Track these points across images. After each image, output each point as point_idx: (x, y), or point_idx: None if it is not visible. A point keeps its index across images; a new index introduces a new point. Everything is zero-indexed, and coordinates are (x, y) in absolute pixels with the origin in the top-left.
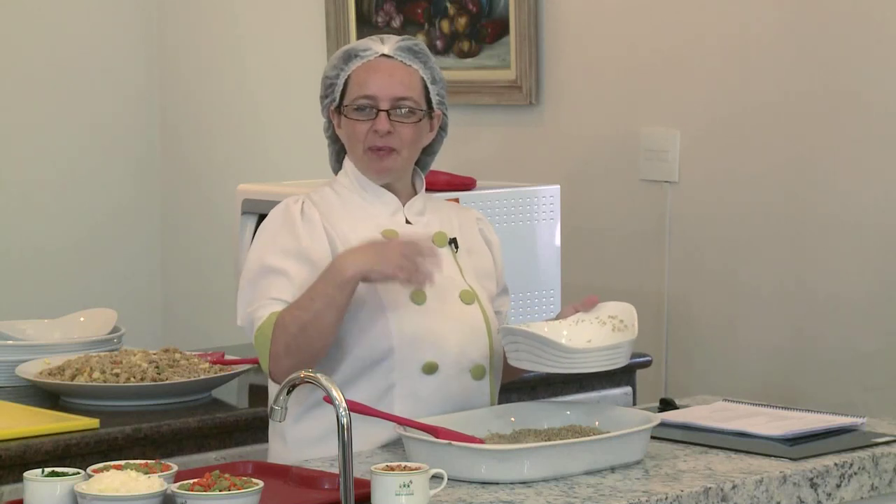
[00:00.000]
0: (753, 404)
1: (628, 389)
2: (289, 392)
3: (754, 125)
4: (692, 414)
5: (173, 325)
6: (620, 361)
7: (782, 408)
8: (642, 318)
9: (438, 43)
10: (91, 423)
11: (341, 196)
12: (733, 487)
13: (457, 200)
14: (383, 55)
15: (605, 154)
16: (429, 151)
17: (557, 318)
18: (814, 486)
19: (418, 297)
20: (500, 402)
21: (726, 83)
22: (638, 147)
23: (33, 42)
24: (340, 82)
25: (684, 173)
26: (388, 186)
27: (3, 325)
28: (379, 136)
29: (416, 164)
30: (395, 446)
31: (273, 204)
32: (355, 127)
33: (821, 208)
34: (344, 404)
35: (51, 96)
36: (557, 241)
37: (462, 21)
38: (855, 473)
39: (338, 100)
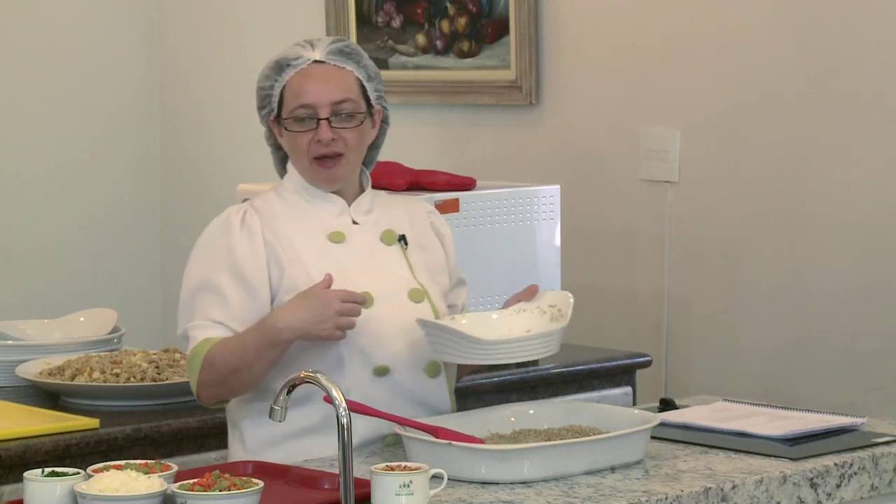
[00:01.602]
0: (753, 404)
1: (628, 389)
2: (289, 392)
3: (754, 125)
4: (692, 414)
5: (173, 325)
6: (537, 352)
7: (782, 408)
8: (643, 318)
9: (438, 43)
10: (91, 423)
11: (286, 200)
12: (733, 487)
13: (456, 201)
14: (315, 61)
15: (605, 154)
16: (372, 146)
17: (504, 307)
18: (814, 486)
19: (365, 301)
20: (500, 403)
21: (726, 83)
22: (638, 147)
23: (33, 42)
24: (276, 93)
25: (684, 173)
26: (335, 189)
27: (3, 325)
28: (323, 145)
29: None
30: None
31: None
32: (297, 139)
33: (821, 208)
34: (344, 404)
35: (51, 96)
36: (557, 241)
37: (462, 21)
38: (855, 473)
39: (276, 110)
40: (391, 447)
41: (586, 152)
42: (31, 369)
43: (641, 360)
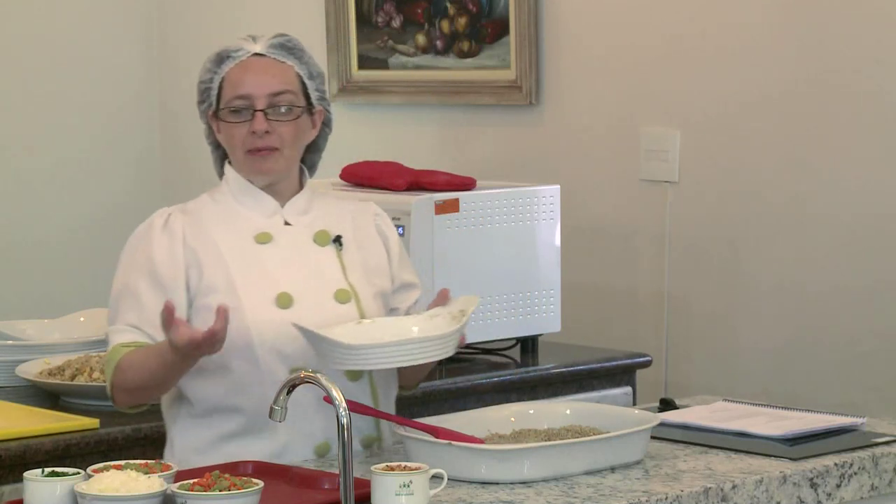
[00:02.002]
0: (753, 404)
1: (628, 389)
2: (289, 392)
3: (754, 125)
4: (692, 414)
5: None
6: (421, 356)
7: (782, 408)
8: (643, 317)
9: (438, 43)
10: (91, 423)
11: (218, 202)
12: (733, 487)
13: (456, 201)
14: (256, 54)
15: (605, 154)
16: (314, 149)
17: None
18: (814, 486)
19: (283, 301)
20: (500, 403)
21: (726, 83)
22: (638, 147)
23: (33, 42)
24: (215, 86)
25: (684, 173)
26: (271, 187)
27: (3, 325)
28: (258, 137)
29: (304, 162)
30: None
31: None
32: (232, 130)
33: (821, 208)
34: (344, 404)
35: (51, 96)
36: (557, 241)
37: (462, 21)
38: (855, 473)
39: (214, 104)
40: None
41: (586, 152)
42: (31, 369)
43: (641, 360)
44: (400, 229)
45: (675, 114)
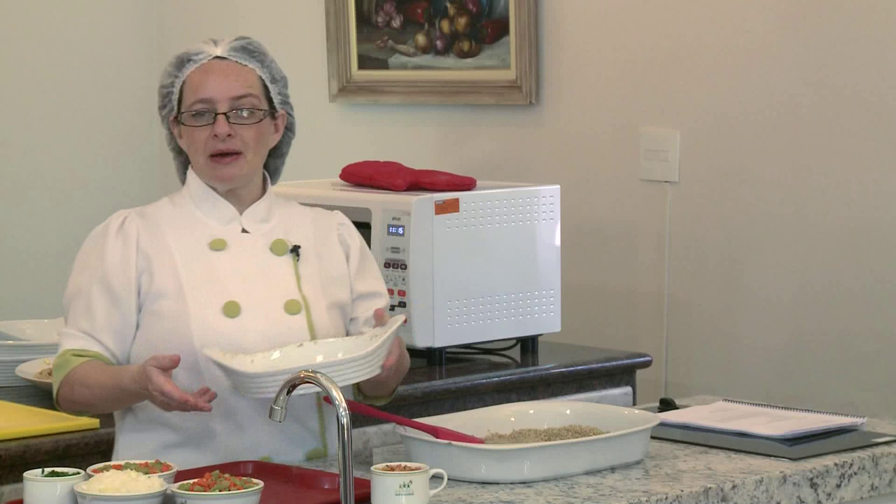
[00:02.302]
0: (753, 404)
1: (628, 389)
2: (289, 392)
3: (754, 125)
4: (692, 414)
5: None
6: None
7: (782, 408)
8: (643, 317)
9: (438, 43)
10: (91, 423)
11: (178, 207)
12: (733, 487)
13: (456, 201)
14: (217, 57)
15: (605, 154)
16: (277, 154)
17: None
18: (814, 486)
19: (231, 310)
20: (500, 403)
21: (726, 83)
22: (638, 147)
23: (33, 43)
24: (176, 90)
25: (684, 173)
26: (232, 193)
27: (3, 325)
28: (220, 141)
29: (266, 167)
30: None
31: None
32: (194, 134)
33: (821, 208)
34: (344, 404)
35: (51, 97)
36: (557, 241)
37: (462, 21)
38: (855, 473)
39: (176, 108)
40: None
41: (586, 152)
42: (31, 369)
43: (641, 360)
44: (400, 229)
45: (675, 114)
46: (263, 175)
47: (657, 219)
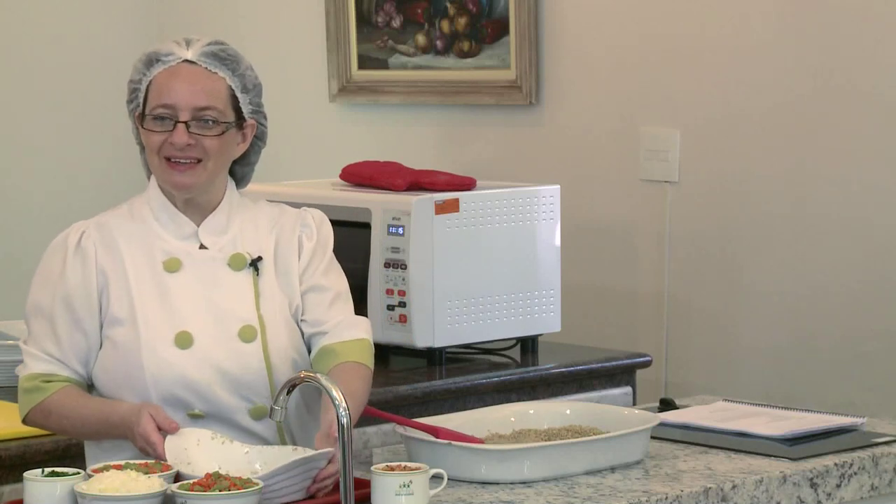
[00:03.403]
0: (753, 404)
1: (628, 389)
2: (289, 392)
3: (754, 125)
4: (692, 414)
5: None
6: None
7: (782, 408)
8: (643, 317)
9: (438, 43)
10: None
11: (135, 219)
12: (733, 487)
13: (456, 201)
14: (186, 61)
15: (605, 154)
16: (244, 162)
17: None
18: (814, 486)
19: (182, 341)
20: (500, 403)
21: (726, 83)
22: (638, 147)
23: (33, 44)
24: (143, 87)
25: (684, 173)
26: (190, 202)
27: (3, 325)
28: (176, 149)
29: (233, 175)
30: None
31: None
32: (151, 137)
33: (821, 208)
34: (344, 404)
35: (51, 98)
36: (557, 241)
37: (462, 21)
38: (855, 473)
39: (141, 106)
40: None
41: (586, 152)
42: None
43: (641, 360)
44: (400, 229)
45: (675, 114)
46: (227, 183)
47: (657, 219)
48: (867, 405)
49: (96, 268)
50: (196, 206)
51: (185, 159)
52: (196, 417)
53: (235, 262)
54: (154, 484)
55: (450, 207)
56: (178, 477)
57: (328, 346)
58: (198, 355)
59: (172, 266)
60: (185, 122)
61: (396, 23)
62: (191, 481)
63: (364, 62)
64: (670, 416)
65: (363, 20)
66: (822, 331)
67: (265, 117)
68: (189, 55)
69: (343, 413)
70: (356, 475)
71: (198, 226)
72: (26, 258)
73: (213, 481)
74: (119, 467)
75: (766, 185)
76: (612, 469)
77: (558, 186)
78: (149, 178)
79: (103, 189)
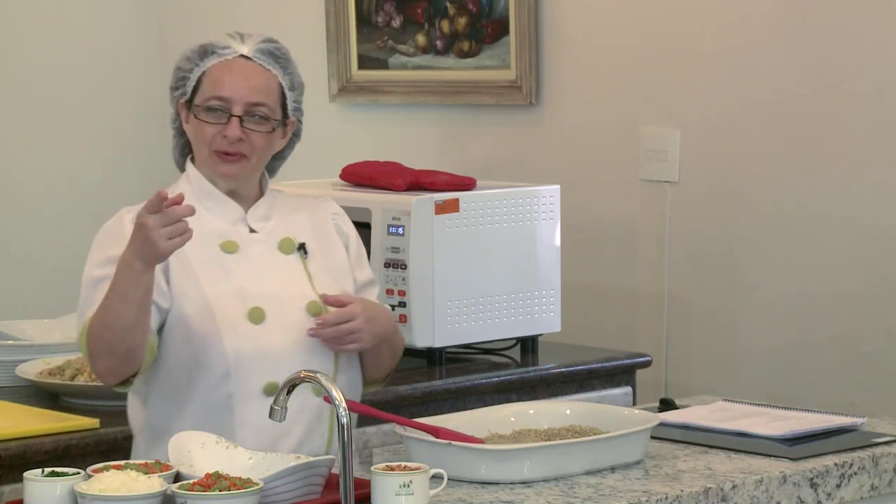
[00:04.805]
0: (753, 404)
1: (628, 389)
2: (289, 392)
3: (754, 125)
4: (692, 414)
5: None
6: None
7: (782, 408)
8: (643, 317)
9: (438, 43)
10: (91, 423)
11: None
12: (733, 487)
13: (456, 201)
14: (242, 56)
15: (605, 154)
16: (279, 156)
17: None
18: (814, 486)
19: (256, 316)
20: (500, 403)
21: (726, 83)
22: (638, 147)
23: (33, 44)
24: (194, 77)
25: (684, 173)
26: (232, 191)
27: (3, 325)
28: (228, 142)
29: (265, 166)
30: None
31: None
32: (204, 129)
33: (821, 208)
34: (344, 404)
35: (51, 98)
36: (557, 241)
37: (462, 21)
38: (855, 473)
39: (189, 95)
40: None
41: (586, 152)
42: (31, 369)
43: (641, 360)
44: (400, 229)
45: (675, 114)
46: (263, 173)
47: (657, 219)
48: (867, 405)
49: None
50: (237, 195)
51: (233, 152)
52: (271, 392)
53: (285, 246)
54: (154, 484)
55: (450, 207)
56: (178, 477)
57: None
58: (272, 330)
59: (230, 248)
60: (239, 117)
61: (396, 23)
62: (191, 481)
63: (364, 62)
64: (670, 416)
65: (363, 20)
66: (822, 331)
67: (303, 114)
68: (245, 50)
69: (343, 413)
70: (356, 475)
71: (244, 212)
72: (26, 258)
73: (213, 481)
74: (119, 467)
75: (766, 185)
76: (612, 469)
77: (558, 186)
78: (178, 163)
79: (103, 189)
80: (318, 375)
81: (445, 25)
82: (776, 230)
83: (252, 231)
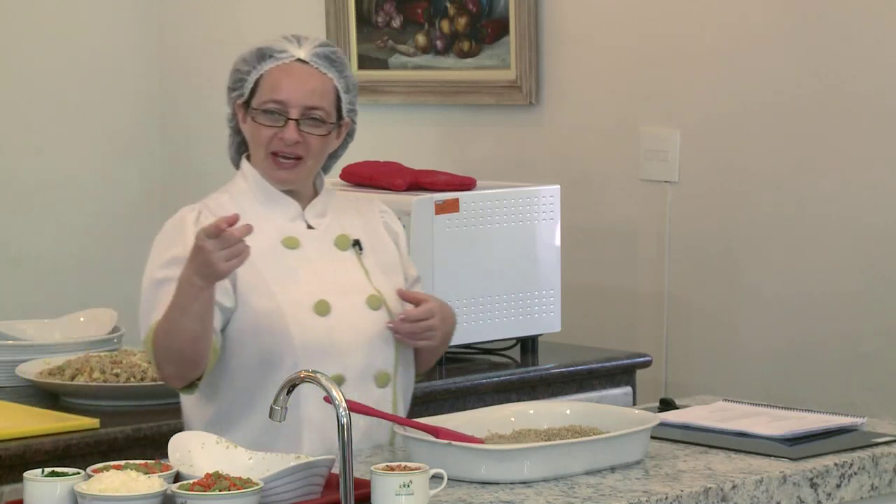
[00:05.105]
0: (753, 404)
1: (628, 389)
2: (289, 392)
3: (754, 125)
4: (692, 414)
5: None
6: None
7: (782, 408)
8: (643, 317)
9: (438, 43)
10: (91, 423)
11: (239, 204)
12: (733, 487)
13: (456, 201)
14: (299, 59)
15: (605, 154)
16: (333, 156)
17: None
18: (814, 486)
19: (322, 309)
20: (500, 403)
21: (726, 83)
22: (638, 147)
23: (34, 45)
24: (251, 80)
25: (684, 173)
26: (288, 189)
27: (3, 325)
28: (285, 145)
29: None
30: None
31: None
32: (261, 131)
33: (821, 208)
34: (344, 404)
35: (51, 97)
36: (557, 241)
37: (462, 21)
38: (855, 473)
39: (246, 96)
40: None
41: (586, 152)
42: (31, 369)
43: (641, 360)
44: None
45: (675, 114)
46: (318, 171)
47: (657, 219)
48: (867, 405)
49: None
50: (294, 194)
51: (290, 155)
52: (337, 384)
53: (341, 243)
54: (154, 484)
55: (450, 207)
56: (178, 477)
57: None
58: (337, 322)
59: (291, 243)
60: (296, 120)
61: (396, 23)
62: (191, 481)
63: (364, 62)
64: (670, 416)
65: (363, 20)
66: (822, 331)
67: (356, 115)
68: (302, 54)
69: (343, 413)
70: (356, 475)
71: (302, 210)
72: (26, 258)
73: (213, 481)
74: (119, 467)
75: (766, 185)
76: (612, 469)
77: (558, 186)
78: (233, 161)
79: (103, 188)
80: (318, 375)
81: (445, 25)
82: (776, 230)
83: (309, 227)
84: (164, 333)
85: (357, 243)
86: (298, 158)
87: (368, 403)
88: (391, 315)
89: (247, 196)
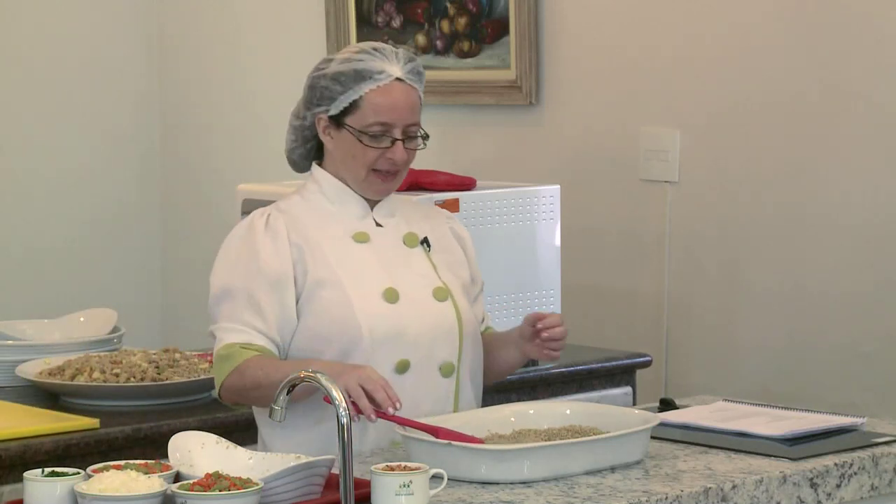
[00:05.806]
0: (753, 404)
1: (628, 389)
2: (289, 392)
3: (754, 125)
4: (692, 414)
5: (173, 325)
6: None
7: (782, 408)
8: (643, 318)
9: (438, 43)
10: (91, 423)
11: (310, 203)
12: (733, 487)
13: (456, 201)
14: (396, 78)
15: (605, 154)
16: None
17: None
18: (814, 486)
19: (391, 296)
20: (500, 403)
21: (726, 83)
22: (638, 147)
23: (34, 44)
24: (345, 99)
25: (684, 173)
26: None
27: (3, 325)
28: (393, 165)
29: None
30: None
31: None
32: (367, 153)
33: (821, 208)
34: (344, 404)
35: (51, 97)
36: (557, 241)
37: (462, 21)
38: (855, 473)
39: (337, 114)
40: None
41: (586, 152)
42: (31, 369)
43: (641, 360)
44: None
45: (675, 114)
46: None
47: (657, 219)
48: (867, 405)
49: (289, 241)
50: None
51: (392, 170)
52: (402, 370)
53: (409, 240)
54: (154, 484)
55: (450, 207)
56: (178, 477)
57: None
58: (405, 310)
59: (362, 238)
60: (402, 140)
61: (396, 23)
62: (191, 481)
63: None
64: (670, 416)
65: (363, 20)
66: (822, 331)
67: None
68: (399, 73)
69: (343, 413)
70: (356, 475)
71: (371, 209)
72: (26, 258)
73: (213, 481)
74: (119, 467)
75: (766, 184)
76: (612, 469)
77: (558, 186)
78: (295, 165)
79: (103, 188)
80: (318, 375)
81: (445, 25)
82: (776, 230)
83: (378, 225)
84: (252, 381)
85: (425, 241)
86: (397, 171)
87: (431, 392)
88: (456, 307)
89: (317, 196)
